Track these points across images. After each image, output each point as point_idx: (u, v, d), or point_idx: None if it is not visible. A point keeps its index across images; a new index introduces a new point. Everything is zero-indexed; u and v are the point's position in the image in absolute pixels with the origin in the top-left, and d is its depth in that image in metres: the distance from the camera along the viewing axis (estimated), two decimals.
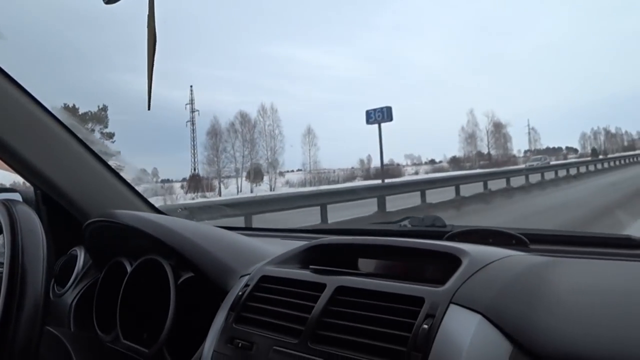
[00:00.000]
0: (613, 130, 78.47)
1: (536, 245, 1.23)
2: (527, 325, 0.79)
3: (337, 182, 45.15)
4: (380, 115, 18.37)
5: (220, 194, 36.21)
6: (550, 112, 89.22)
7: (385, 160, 65.94)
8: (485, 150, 61.41)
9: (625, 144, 79.78)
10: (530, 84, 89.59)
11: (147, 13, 0.80)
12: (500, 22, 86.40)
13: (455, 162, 60.42)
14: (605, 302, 0.84)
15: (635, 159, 42.96)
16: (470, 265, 0.93)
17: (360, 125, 72.38)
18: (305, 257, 1.17)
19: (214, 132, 41.75)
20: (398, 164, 67.46)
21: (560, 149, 77.15)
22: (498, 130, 60.80)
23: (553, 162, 41.70)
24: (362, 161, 54.47)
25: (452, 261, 0.96)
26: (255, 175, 44.82)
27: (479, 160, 58.27)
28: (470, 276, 0.89)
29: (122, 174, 1.79)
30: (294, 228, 2.04)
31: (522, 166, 37.49)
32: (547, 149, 76.19)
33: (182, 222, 1.47)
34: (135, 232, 1.40)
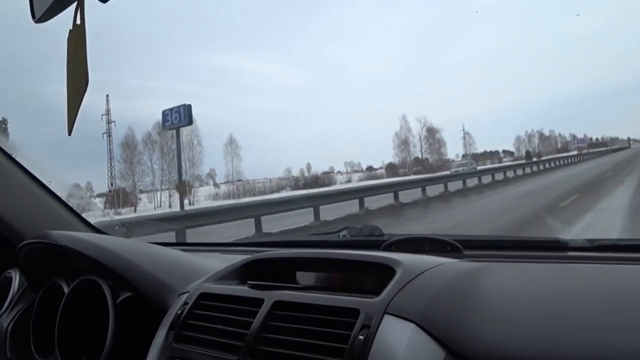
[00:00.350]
0: (547, 133, 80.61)
1: (470, 250, 1.27)
2: (458, 330, 0.82)
3: (264, 193, 44.12)
4: (177, 118, 14.49)
5: (135, 210, 33.74)
6: (486, 115, 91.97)
7: (325, 168, 63.43)
8: (419, 156, 60.40)
9: (559, 146, 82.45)
10: (466, 89, 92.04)
11: (78, 28, 0.78)
12: (436, 29, 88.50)
13: (391, 168, 59.76)
14: (536, 304, 0.88)
15: (565, 161, 43.37)
16: (403, 274, 0.95)
17: (301, 134, 71.99)
18: (243, 272, 1.19)
19: (127, 144, 38.53)
20: (339, 172, 66.89)
21: (497, 152, 78.77)
22: (432, 135, 60.06)
23: (481, 167, 39.32)
24: (287, 170, 53.13)
25: (387, 271, 0.98)
26: (183, 188, 43.62)
27: (413, 166, 57.83)
28: (403, 286, 0.92)
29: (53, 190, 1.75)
30: (233, 242, 2.04)
31: (446, 172, 34.89)
32: (485, 152, 77.46)
33: (118, 240, 1.46)
34: (71, 253, 1.38)
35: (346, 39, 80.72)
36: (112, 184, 40.14)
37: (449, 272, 1.02)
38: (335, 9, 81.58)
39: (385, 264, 1.02)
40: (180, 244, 2.08)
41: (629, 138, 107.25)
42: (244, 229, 9.18)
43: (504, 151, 78.74)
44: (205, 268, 1.30)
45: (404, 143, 59.25)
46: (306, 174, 58.97)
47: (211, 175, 47.48)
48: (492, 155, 77.67)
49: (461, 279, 0.99)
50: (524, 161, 52.40)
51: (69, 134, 0.82)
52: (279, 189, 49.83)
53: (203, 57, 68.76)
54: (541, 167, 35.47)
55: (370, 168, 67.34)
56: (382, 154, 79.48)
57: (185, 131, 41.66)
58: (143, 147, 40.15)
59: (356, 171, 67.13)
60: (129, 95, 59.41)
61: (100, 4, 0.75)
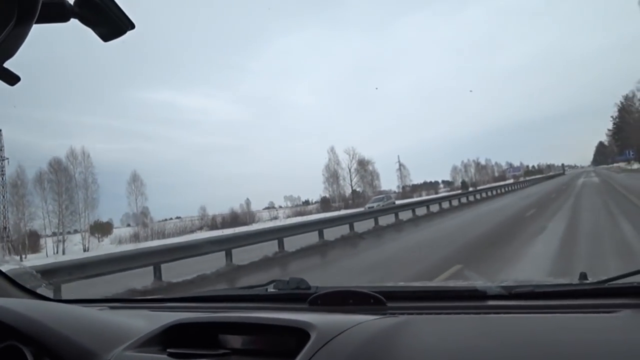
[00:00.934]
0: (483, 162, 79.22)
1: (393, 302, 1.30)
2: None
3: (178, 234, 39.50)
4: None
5: (22, 258, 29.99)
6: (426, 146, 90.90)
7: (265, 203, 62.99)
8: (348, 189, 59.05)
9: (496, 174, 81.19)
10: (404, 121, 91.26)
11: None
12: (372, 63, 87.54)
13: (324, 202, 57.89)
14: None
15: (494, 192, 40.16)
16: (318, 339, 0.98)
17: (242, 170, 68.17)
18: (165, 338, 1.19)
19: (14, 184, 35.54)
20: (280, 206, 64.08)
21: (437, 182, 76.77)
22: (363, 167, 59.08)
23: (407, 200, 36.79)
24: (202, 208, 50.39)
25: (304, 334, 1.01)
26: (99, 229, 38.27)
27: (349, 199, 55.68)
28: (317, 351, 0.95)
29: None
30: (161, 297, 1.98)
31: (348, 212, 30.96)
32: (425, 183, 75.79)
33: (41, 305, 1.48)
34: None
35: (285, 75, 78.97)
36: (5, 228, 36.00)
37: (365, 333, 1.03)
38: (273, 46, 79.20)
39: (300, 327, 1.03)
40: (108, 300, 1.96)
41: (562, 164, 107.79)
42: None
43: (443, 181, 76.93)
44: (130, 330, 1.30)
45: (333, 176, 57.56)
46: (245, 210, 55.87)
47: (145, 213, 43.98)
48: (432, 185, 75.82)
49: (377, 340, 1.00)
50: (451, 192, 50.58)
51: None
52: (192, 229, 45.81)
53: (139, 92, 65.00)
54: (470, 198, 32.80)
55: (306, 202, 64.30)
56: (320, 187, 76.32)
57: (78, 168, 36.97)
58: (34, 187, 36.70)
59: (298, 205, 64.84)
60: (63, 132, 54.72)
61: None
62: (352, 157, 58.60)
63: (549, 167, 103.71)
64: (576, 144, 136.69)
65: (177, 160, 67.46)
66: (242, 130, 76.95)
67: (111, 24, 0.75)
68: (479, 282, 1.34)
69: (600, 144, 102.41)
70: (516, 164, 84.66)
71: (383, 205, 29.86)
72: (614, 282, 1.22)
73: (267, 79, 79.54)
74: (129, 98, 63.37)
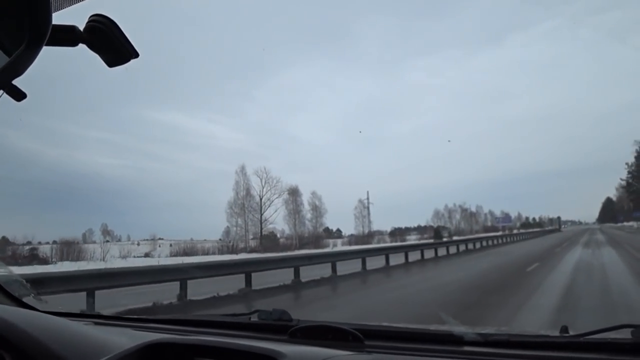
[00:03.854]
0: (473, 209, 74.08)
1: (371, 340, 1.33)
2: None
3: None
4: None
5: None
6: (426, 192, 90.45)
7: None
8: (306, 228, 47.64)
9: (489, 223, 76.92)
10: (407, 163, 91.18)
11: None
12: (379, 104, 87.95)
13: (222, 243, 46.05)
14: None
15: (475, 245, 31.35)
16: None
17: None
18: (142, 355, 1.20)
19: None
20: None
21: (438, 227, 72.72)
22: (294, 198, 47.08)
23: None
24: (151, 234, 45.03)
25: None
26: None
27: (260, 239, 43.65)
28: None
29: None
30: (146, 317, 2.01)
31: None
32: (419, 227, 72.56)
33: (26, 315, 1.49)
34: None
35: (289, 107, 79.37)
36: None
37: None
38: (278, 78, 79.72)
39: (272, 357, 1.07)
40: (94, 316, 2.02)
41: (559, 217, 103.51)
42: None
43: (439, 226, 73.23)
44: (112, 346, 1.31)
45: (238, 206, 43.82)
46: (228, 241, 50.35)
47: (107, 231, 42.96)
48: (425, 230, 71.63)
49: None
50: (421, 241, 41.88)
51: None
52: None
53: (144, 111, 64.99)
54: (429, 252, 23.27)
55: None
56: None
57: None
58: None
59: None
60: (68, 143, 54.50)
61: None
62: (265, 182, 42.65)
63: (551, 220, 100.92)
64: (581, 199, 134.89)
65: (180, 182, 67.00)
66: (244, 159, 76.80)
67: (117, 52, 0.80)
68: (457, 328, 1.35)
69: (608, 200, 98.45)
70: (514, 214, 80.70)
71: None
72: (590, 336, 1.22)
73: (271, 109, 79.80)
74: (134, 116, 63.55)
